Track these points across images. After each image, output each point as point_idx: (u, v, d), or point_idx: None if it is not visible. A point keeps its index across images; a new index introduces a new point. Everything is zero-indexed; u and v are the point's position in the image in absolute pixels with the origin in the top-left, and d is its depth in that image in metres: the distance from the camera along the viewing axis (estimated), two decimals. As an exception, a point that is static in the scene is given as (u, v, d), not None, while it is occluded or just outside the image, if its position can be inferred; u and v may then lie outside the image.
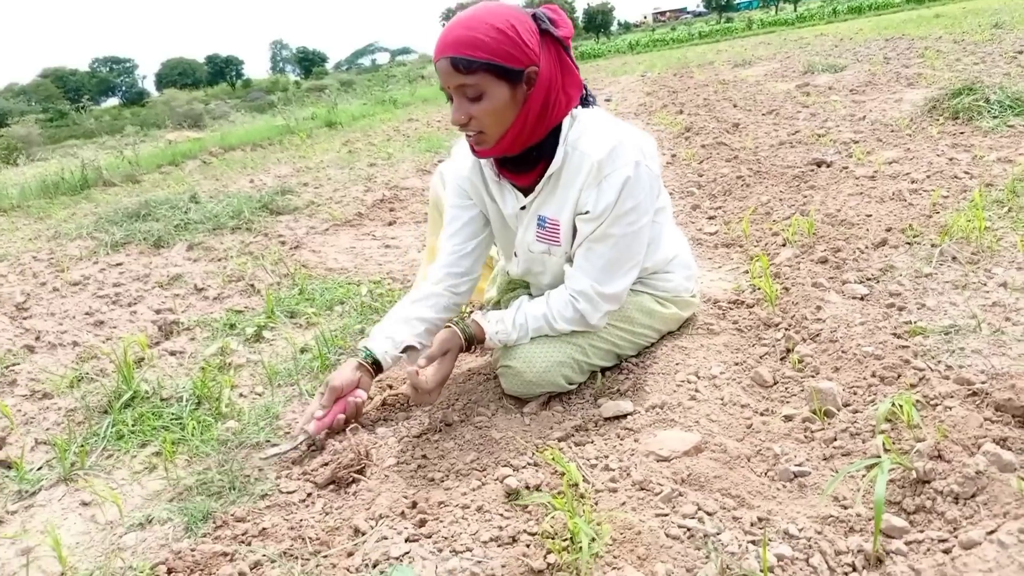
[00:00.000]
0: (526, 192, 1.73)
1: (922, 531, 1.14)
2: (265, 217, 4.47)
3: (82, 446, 1.78)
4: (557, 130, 1.62)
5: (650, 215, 1.66)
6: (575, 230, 1.68)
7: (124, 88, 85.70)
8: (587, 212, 1.61)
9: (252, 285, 3.04)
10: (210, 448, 1.73)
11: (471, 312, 2.22)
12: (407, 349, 1.79)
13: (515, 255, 1.85)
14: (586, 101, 1.67)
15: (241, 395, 2.05)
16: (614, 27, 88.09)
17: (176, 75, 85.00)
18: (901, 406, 1.38)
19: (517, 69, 1.50)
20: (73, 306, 3.04)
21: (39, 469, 1.74)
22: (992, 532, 1.06)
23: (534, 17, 1.55)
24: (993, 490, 1.14)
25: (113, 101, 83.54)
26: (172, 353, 2.38)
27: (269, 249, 3.64)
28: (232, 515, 1.45)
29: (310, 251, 3.58)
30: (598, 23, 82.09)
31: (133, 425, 1.88)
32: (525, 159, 1.65)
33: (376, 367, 1.76)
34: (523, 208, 1.74)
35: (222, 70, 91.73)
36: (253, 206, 4.60)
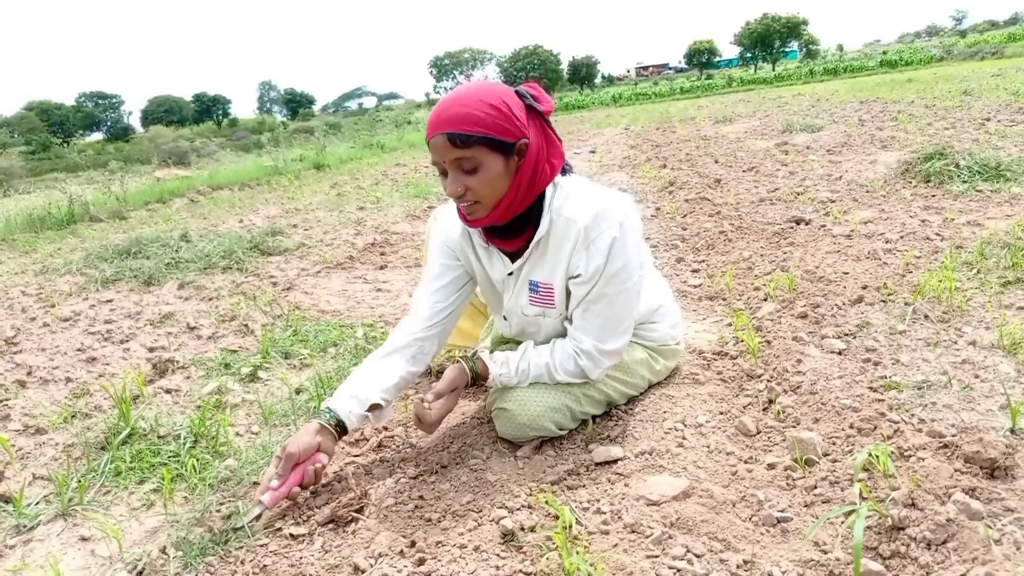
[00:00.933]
0: (513, 257, 1.79)
1: (897, 575, 1.21)
2: (256, 257, 4.52)
3: (80, 481, 1.80)
4: (541, 197, 1.70)
5: (637, 273, 1.74)
6: (568, 292, 1.76)
7: (109, 123, 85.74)
8: (579, 275, 1.69)
9: (246, 325, 3.08)
10: (209, 486, 1.77)
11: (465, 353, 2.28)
12: (373, 407, 1.74)
13: (505, 319, 1.91)
14: (564, 170, 1.76)
15: (238, 434, 2.09)
16: (598, 80, 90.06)
17: (162, 112, 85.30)
18: (877, 456, 1.47)
19: (510, 142, 1.58)
20: (64, 342, 3.07)
21: (37, 504, 1.76)
22: (962, 576, 1.13)
23: (518, 94, 1.64)
24: (963, 537, 1.21)
25: (97, 136, 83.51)
26: (168, 391, 2.41)
27: (262, 290, 3.69)
28: (231, 552, 1.49)
29: (302, 292, 3.64)
30: (582, 75, 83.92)
31: (131, 462, 1.91)
32: (512, 226, 1.72)
33: (340, 428, 1.70)
34: (510, 274, 1.80)
35: (209, 108, 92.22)
36: (244, 246, 4.66)
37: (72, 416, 2.27)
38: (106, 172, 16.72)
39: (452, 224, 1.87)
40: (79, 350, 2.94)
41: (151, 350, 2.90)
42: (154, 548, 1.52)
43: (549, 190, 1.70)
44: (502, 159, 1.59)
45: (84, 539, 1.62)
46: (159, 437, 2.03)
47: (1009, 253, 2.65)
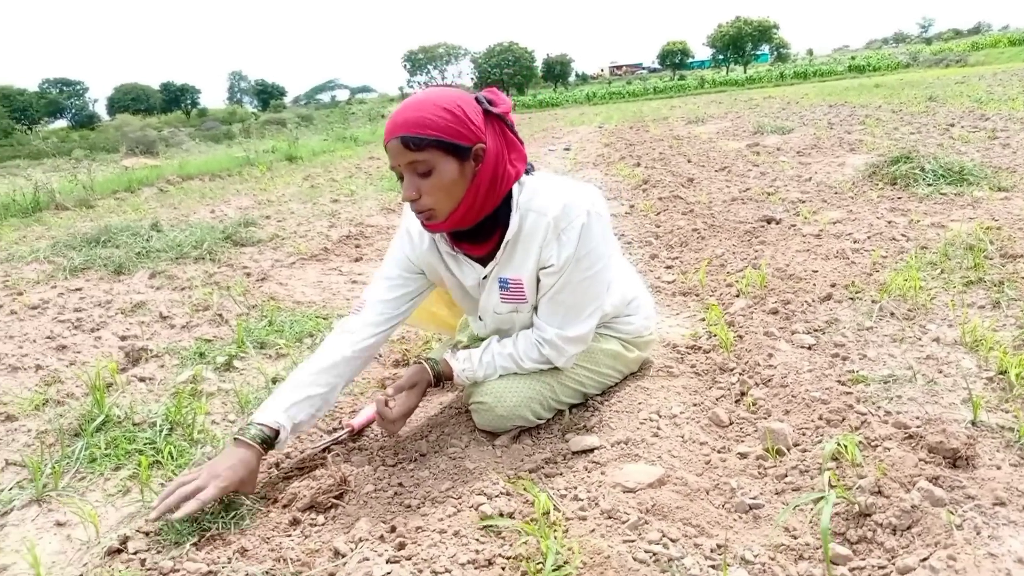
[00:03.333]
0: (483, 261, 1.79)
1: (864, 559, 1.25)
2: (229, 248, 4.48)
3: (54, 468, 1.79)
4: (508, 198, 1.70)
5: (606, 259, 1.76)
6: (538, 283, 1.77)
7: (74, 111, 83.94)
8: (551, 266, 1.70)
9: (220, 315, 3.06)
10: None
11: (425, 354, 2.30)
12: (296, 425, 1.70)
13: (480, 319, 1.92)
14: (528, 171, 1.76)
15: (214, 422, 2.08)
16: (572, 78, 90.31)
17: (129, 100, 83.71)
18: (845, 446, 1.52)
19: (465, 146, 1.58)
20: (32, 329, 3.02)
21: (11, 489, 1.74)
22: (925, 559, 1.18)
23: (476, 99, 1.64)
24: (926, 522, 1.27)
25: (62, 123, 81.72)
26: (141, 379, 2.39)
27: (235, 280, 3.66)
28: (209, 536, 1.49)
29: (277, 283, 3.62)
30: (556, 73, 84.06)
31: (106, 448, 1.89)
32: (480, 230, 1.72)
33: (266, 445, 1.64)
34: (484, 278, 1.80)
35: (177, 98, 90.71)
36: (216, 237, 4.61)
37: (44, 403, 2.24)
38: (71, 160, 16.38)
39: (419, 236, 1.84)
40: (48, 338, 2.89)
41: (123, 339, 2.87)
42: (132, 531, 1.51)
43: (515, 189, 1.70)
44: (457, 163, 1.58)
45: (60, 524, 1.61)
46: (134, 424, 2.01)
47: (971, 254, 2.74)
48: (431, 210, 1.62)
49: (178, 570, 1.36)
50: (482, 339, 2.03)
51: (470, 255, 1.80)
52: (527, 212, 1.70)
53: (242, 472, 1.57)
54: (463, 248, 1.79)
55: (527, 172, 1.76)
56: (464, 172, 1.60)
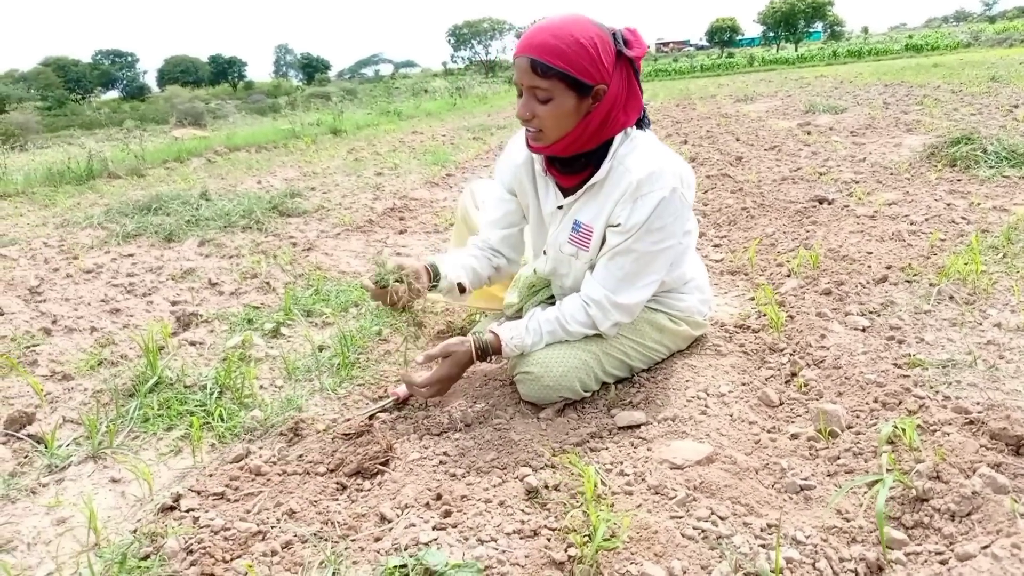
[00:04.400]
0: (566, 193, 1.83)
1: (920, 544, 1.22)
2: (275, 218, 4.54)
3: (109, 426, 1.84)
4: (608, 143, 1.72)
5: (676, 239, 1.76)
6: (604, 240, 1.77)
7: (125, 82, 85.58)
8: (618, 225, 1.71)
9: (268, 283, 3.10)
10: (235, 435, 1.80)
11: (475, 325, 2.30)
12: (459, 286, 1.93)
13: (544, 252, 1.95)
14: (641, 123, 1.78)
15: (262, 387, 2.11)
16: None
17: (178, 72, 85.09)
18: (903, 430, 1.47)
19: (588, 84, 1.61)
20: (87, 293, 3.10)
21: (68, 446, 1.80)
22: (986, 547, 1.14)
23: (613, 36, 1.65)
24: (988, 509, 1.22)
25: (113, 94, 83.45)
26: (192, 343, 2.44)
27: (282, 249, 3.71)
28: (260, 497, 1.52)
29: (322, 253, 3.65)
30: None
31: (159, 409, 1.94)
32: (573, 162, 1.76)
33: (434, 277, 1.87)
34: (560, 208, 1.84)
35: (225, 70, 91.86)
36: (263, 207, 4.67)
37: (99, 364, 2.30)
38: (123, 130, 16.72)
39: (517, 150, 1.92)
40: (103, 301, 2.97)
41: (174, 304, 2.93)
42: (184, 490, 1.55)
43: (618, 138, 1.73)
44: (575, 98, 1.62)
45: (115, 480, 1.65)
46: (185, 387, 2.05)
47: (1036, 238, 2.63)
48: (540, 132, 1.68)
49: (229, 528, 1.39)
50: (535, 287, 2.03)
51: (558, 183, 1.85)
52: (619, 165, 1.72)
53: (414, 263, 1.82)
54: (553, 173, 1.83)
55: (639, 124, 1.77)
56: (580, 107, 1.64)
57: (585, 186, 1.76)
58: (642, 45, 1.69)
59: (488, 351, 1.84)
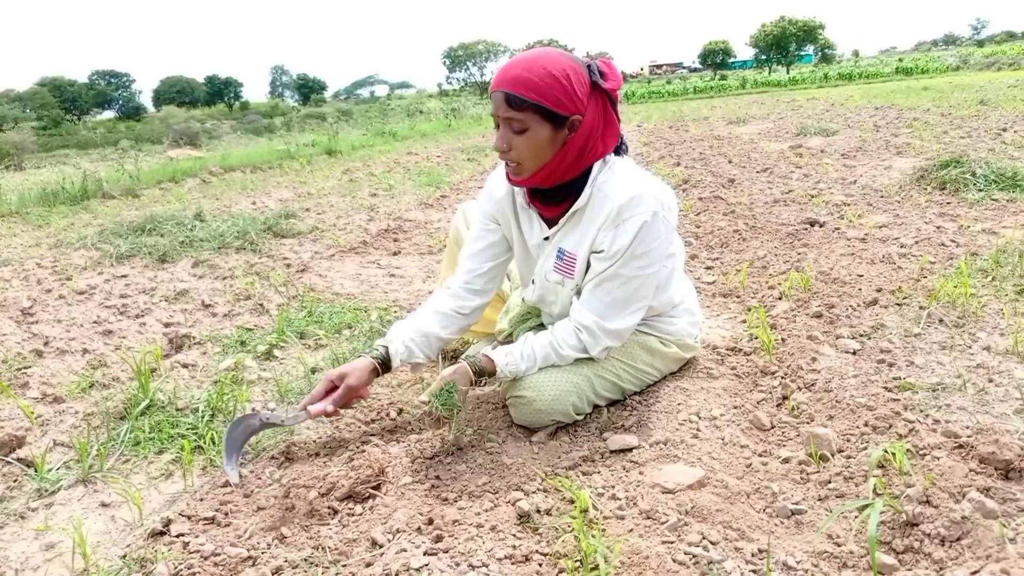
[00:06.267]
0: (551, 224, 1.85)
1: (910, 569, 1.22)
2: (269, 239, 4.55)
3: (100, 449, 1.83)
4: (588, 170, 1.75)
5: (661, 263, 1.78)
6: (589, 266, 1.79)
7: (121, 102, 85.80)
8: (601, 251, 1.73)
9: (261, 304, 3.10)
10: (227, 458, 1.79)
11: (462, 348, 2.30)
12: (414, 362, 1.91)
13: (532, 282, 1.96)
14: (619, 150, 1.80)
15: (254, 409, 2.10)
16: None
17: (174, 92, 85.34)
18: (893, 454, 1.48)
19: (563, 115, 1.63)
20: (80, 314, 3.09)
21: (58, 469, 1.79)
22: (976, 572, 1.15)
23: (588, 68, 1.68)
24: (977, 534, 1.23)
25: (109, 114, 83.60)
26: (184, 365, 2.43)
27: (275, 270, 3.71)
28: (252, 523, 1.51)
29: (316, 275, 3.66)
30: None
31: (150, 432, 1.93)
32: (554, 193, 1.78)
33: (384, 367, 1.86)
34: (546, 239, 1.86)
35: (221, 91, 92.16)
36: (258, 227, 4.68)
37: (90, 386, 2.29)
38: (118, 150, 16.78)
39: (498, 184, 1.93)
40: (95, 322, 2.97)
41: (167, 325, 2.92)
42: (174, 514, 1.54)
43: (597, 165, 1.75)
44: (551, 128, 1.64)
45: (104, 504, 1.64)
46: (177, 409, 2.05)
47: (1025, 262, 2.66)
48: (517, 164, 1.70)
49: (219, 554, 1.38)
50: (523, 321, 2.04)
51: (541, 214, 1.87)
52: (598, 192, 1.74)
53: (362, 374, 1.80)
54: (536, 205, 1.85)
55: (617, 151, 1.80)
56: (556, 138, 1.66)
57: (567, 214, 1.78)
58: (617, 77, 1.71)
59: (484, 374, 1.85)
